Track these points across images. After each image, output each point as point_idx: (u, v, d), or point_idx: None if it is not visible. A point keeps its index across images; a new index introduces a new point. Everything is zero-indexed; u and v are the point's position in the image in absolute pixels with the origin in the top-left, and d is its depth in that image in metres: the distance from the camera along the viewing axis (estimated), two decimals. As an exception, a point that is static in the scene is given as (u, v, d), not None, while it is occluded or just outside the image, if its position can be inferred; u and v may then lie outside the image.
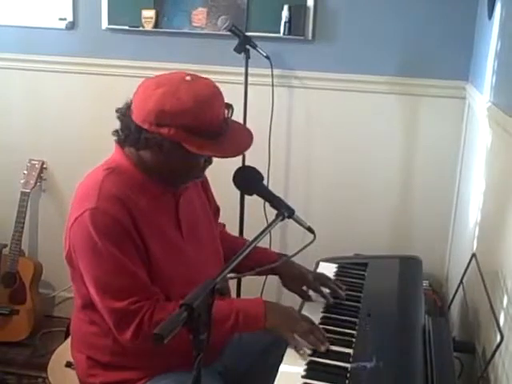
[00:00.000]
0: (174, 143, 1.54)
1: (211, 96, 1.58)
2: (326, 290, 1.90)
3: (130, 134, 1.60)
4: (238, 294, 2.85)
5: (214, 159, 1.67)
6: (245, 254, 1.40)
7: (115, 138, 1.67)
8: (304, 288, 1.92)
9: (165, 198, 1.70)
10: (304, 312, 1.78)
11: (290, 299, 1.96)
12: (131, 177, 1.64)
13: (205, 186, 1.90)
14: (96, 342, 1.71)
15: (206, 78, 1.63)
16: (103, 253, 1.54)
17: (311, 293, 1.91)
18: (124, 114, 1.63)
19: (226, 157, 1.59)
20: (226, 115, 1.61)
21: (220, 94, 1.61)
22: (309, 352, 1.57)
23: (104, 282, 1.56)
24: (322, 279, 1.93)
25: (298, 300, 1.90)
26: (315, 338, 1.59)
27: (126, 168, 1.65)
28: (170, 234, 1.69)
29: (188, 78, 1.58)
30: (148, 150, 1.60)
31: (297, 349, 1.58)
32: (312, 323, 1.66)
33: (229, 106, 1.62)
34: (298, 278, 1.92)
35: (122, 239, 1.56)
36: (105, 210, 1.55)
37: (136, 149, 1.62)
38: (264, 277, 2.87)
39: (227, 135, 1.59)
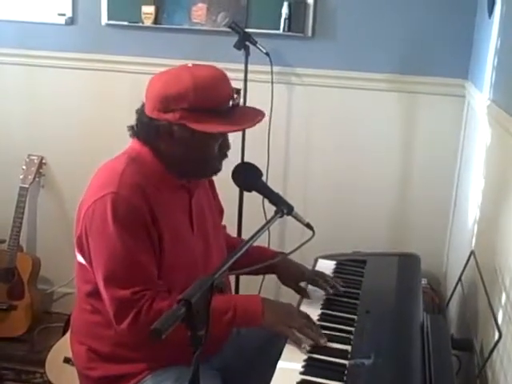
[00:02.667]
0: (182, 127, 1.58)
1: (212, 76, 1.63)
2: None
3: (142, 126, 1.65)
4: (237, 292, 2.85)
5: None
6: (243, 250, 1.40)
7: (130, 133, 1.71)
8: (302, 284, 1.93)
9: (180, 193, 1.73)
10: (302, 309, 1.78)
11: (289, 297, 1.96)
12: (151, 167, 1.67)
13: (212, 186, 1.93)
14: (99, 332, 1.71)
15: (209, 65, 1.68)
16: (116, 239, 1.55)
17: (309, 287, 1.92)
18: (141, 111, 1.67)
19: (234, 131, 1.65)
20: (232, 96, 1.65)
21: (223, 75, 1.65)
22: (308, 348, 1.56)
23: (112, 268, 1.57)
24: (320, 276, 1.94)
25: (296, 298, 1.90)
26: (314, 332, 1.59)
27: (146, 158, 1.67)
28: (182, 229, 1.71)
29: (190, 64, 1.64)
30: (161, 140, 1.64)
31: (297, 344, 1.58)
32: (309, 318, 1.66)
33: (237, 91, 1.65)
34: (295, 275, 1.93)
35: (137, 228, 1.57)
36: (126, 196, 1.57)
37: (150, 140, 1.65)
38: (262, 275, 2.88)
39: (236, 114, 1.63)
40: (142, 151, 1.68)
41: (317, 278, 1.92)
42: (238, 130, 1.68)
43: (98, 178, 1.67)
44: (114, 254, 1.56)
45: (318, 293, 1.89)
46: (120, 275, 1.56)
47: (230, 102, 1.63)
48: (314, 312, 1.74)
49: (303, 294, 1.91)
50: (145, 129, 1.65)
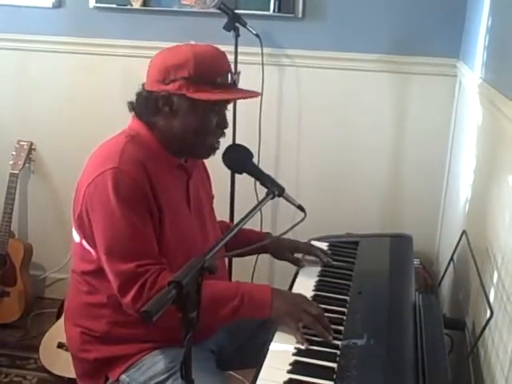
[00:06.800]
0: (181, 97, 1.61)
1: (211, 51, 1.67)
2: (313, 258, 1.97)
3: (141, 100, 1.67)
4: (230, 274, 2.85)
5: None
6: (234, 232, 1.40)
7: (131, 112, 1.72)
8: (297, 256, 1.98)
9: (178, 172, 1.74)
10: (295, 291, 1.78)
11: (282, 279, 1.96)
12: (150, 146, 1.67)
13: (207, 174, 1.96)
14: (94, 312, 1.70)
15: (210, 44, 1.71)
16: (118, 213, 1.55)
17: (307, 257, 1.98)
18: (141, 89, 1.69)
19: (229, 99, 1.69)
20: (232, 74, 1.67)
21: (223, 54, 1.69)
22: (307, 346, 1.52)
23: (115, 243, 1.57)
24: (314, 247, 2.00)
25: (288, 282, 1.90)
26: (323, 326, 1.56)
27: (145, 137, 1.68)
28: (180, 207, 1.72)
29: (192, 42, 1.68)
30: (160, 114, 1.65)
31: (298, 342, 1.53)
32: (319, 311, 1.61)
33: (237, 72, 1.71)
34: (287, 246, 1.97)
35: (138, 202, 1.58)
36: (127, 170, 1.58)
37: (148, 115, 1.66)
38: (255, 257, 2.88)
39: (233, 88, 1.67)
40: (141, 130, 1.69)
41: (312, 248, 1.98)
42: (233, 99, 1.73)
43: (97, 157, 1.67)
44: (117, 228, 1.56)
45: (310, 274, 1.90)
46: (123, 249, 1.56)
47: (229, 78, 1.65)
48: (306, 294, 1.74)
49: (298, 263, 1.95)
50: (144, 103, 1.66)
